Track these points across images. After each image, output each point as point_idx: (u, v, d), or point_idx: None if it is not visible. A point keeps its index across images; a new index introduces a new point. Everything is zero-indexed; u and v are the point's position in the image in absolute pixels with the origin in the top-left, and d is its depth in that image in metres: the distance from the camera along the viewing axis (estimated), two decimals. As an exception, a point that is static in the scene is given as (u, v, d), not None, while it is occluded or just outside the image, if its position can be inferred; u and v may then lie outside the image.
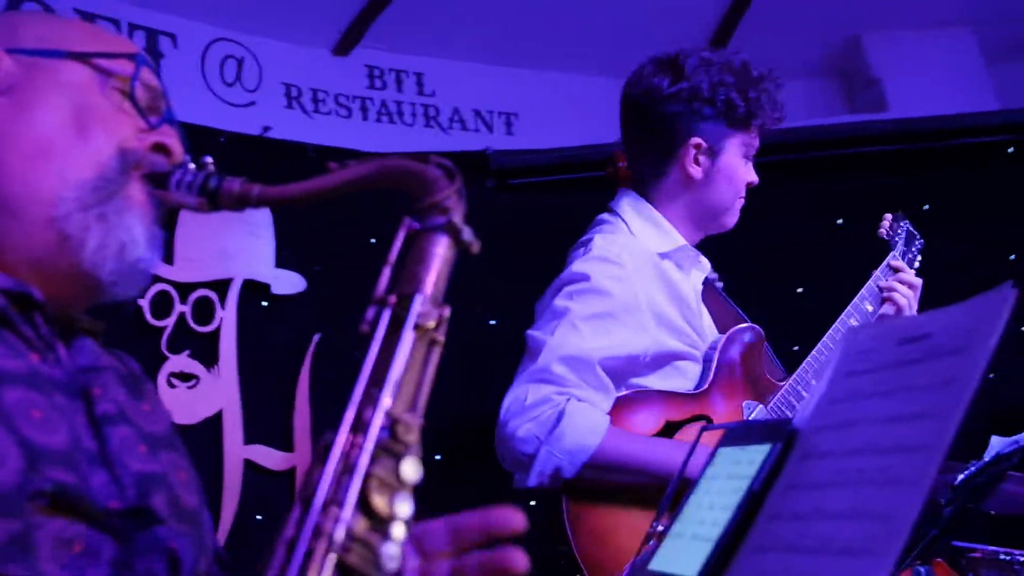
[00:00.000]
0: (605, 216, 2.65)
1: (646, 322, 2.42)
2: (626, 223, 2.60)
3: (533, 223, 4.26)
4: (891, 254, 2.78)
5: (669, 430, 2.37)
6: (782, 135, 5.00)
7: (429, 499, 0.98)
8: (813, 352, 2.60)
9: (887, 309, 2.69)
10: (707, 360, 2.51)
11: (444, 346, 0.98)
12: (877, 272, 2.76)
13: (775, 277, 4.51)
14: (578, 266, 2.45)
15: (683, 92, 2.53)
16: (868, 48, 5.40)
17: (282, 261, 4.15)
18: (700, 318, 2.59)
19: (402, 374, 0.92)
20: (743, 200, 2.67)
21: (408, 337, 0.94)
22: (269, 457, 3.97)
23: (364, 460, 0.87)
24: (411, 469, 0.89)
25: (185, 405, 3.78)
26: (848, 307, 2.69)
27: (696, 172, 2.56)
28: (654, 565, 1.30)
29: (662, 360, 2.45)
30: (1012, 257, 4.90)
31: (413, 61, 4.94)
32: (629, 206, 2.63)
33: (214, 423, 3.87)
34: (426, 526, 1.04)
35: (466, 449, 3.08)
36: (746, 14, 5.11)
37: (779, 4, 5.04)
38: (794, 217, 4.75)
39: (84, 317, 1.30)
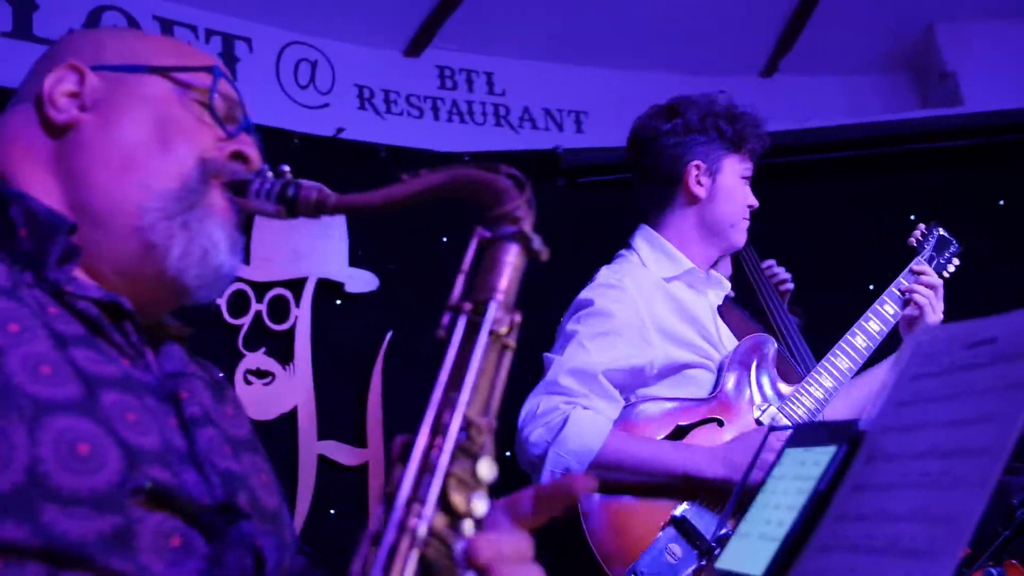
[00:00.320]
0: (623, 251, 2.90)
1: (650, 337, 2.63)
2: (639, 255, 2.84)
3: (603, 221, 4.27)
4: (915, 259, 2.90)
5: (679, 434, 2.54)
6: (854, 130, 4.99)
7: (498, 494, 1.02)
8: (828, 354, 2.74)
9: (910, 311, 2.82)
10: (720, 368, 2.71)
11: (516, 344, 1.01)
12: (900, 277, 2.88)
13: (847, 273, 4.46)
14: (585, 294, 2.72)
15: (678, 126, 2.83)
16: (941, 41, 5.33)
17: (355, 260, 4.21)
18: (717, 331, 2.80)
19: (477, 378, 0.96)
20: (748, 221, 2.89)
21: (482, 343, 0.97)
22: (342, 453, 4.03)
23: (444, 460, 0.91)
24: (487, 469, 0.92)
25: (261, 402, 3.85)
26: (868, 310, 2.82)
27: (700, 191, 2.81)
28: (721, 564, 1.32)
29: (670, 371, 2.65)
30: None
31: (483, 61, 4.99)
32: (642, 239, 2.88)
33: (289, 419, 3.94)
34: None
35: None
36: (816, 8, 5.07)
37: (849, -2, 5.00)
38: (868, 213, 4.71)
39: (172, 323, 1.35)
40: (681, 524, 2.40)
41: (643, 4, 4.83)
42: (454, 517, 0.90)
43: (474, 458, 0.92)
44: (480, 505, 0.91)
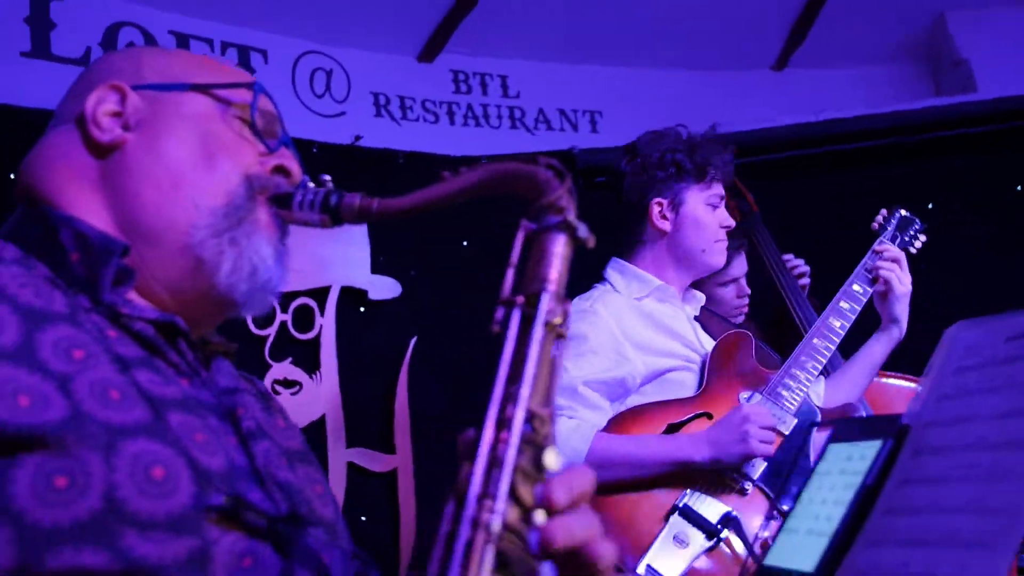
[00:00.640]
0: (596, 284, 3.01)
1: (627, 352, 2.75)
2: (611, 283, 2.97)
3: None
4: (876, 240, 3.01)
5: (671, 432, 2.64)
6: (868, 121, 4.99)
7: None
8: (806, 338, 2.85)
9: (879, 287, 2.92)
10: (703, 366, 2.84)
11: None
12: (865, 258, 2.99)
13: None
14: None
15: (637, 166, 2.99)
16: (953, 29, 5.32)
17: (378, 267, 4.22)
18: (696, 336, 2.93)
19: (537, 370, 0.96)
20: (723, 241, 2.98)
21: (539, 335, 0.97)
22: (371, 459, 4.04)
23: (511, 454, 0.91)
24: (552, 459, 0.93)
25: (289, 411, 3.81)
26: (839, 292, 2.93)
27: (664, 225, 2.94)
28: (771, 560, 1.33)
29: (653, 377, 2.78)
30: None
31: (497, 64, 5.00)
32: (613, 270, 3.01)
33: (318, 428, 3.95)
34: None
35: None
36: (827, 1, 5.07)
37: (861, -12, 5.00)
38: (885, 202, 4.70)
39: (219, 339, 1.36)
40: (685, 512, 2.49)
41: (653, 2, 4.84)
42: (524, 509, 0.90)
43: (539, 449, 0.93)
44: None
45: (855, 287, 2.91)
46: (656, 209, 2.92)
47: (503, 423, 0.93)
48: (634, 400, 2.75)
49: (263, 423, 1.28)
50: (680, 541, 2.45)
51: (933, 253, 3.19)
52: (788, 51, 5.35)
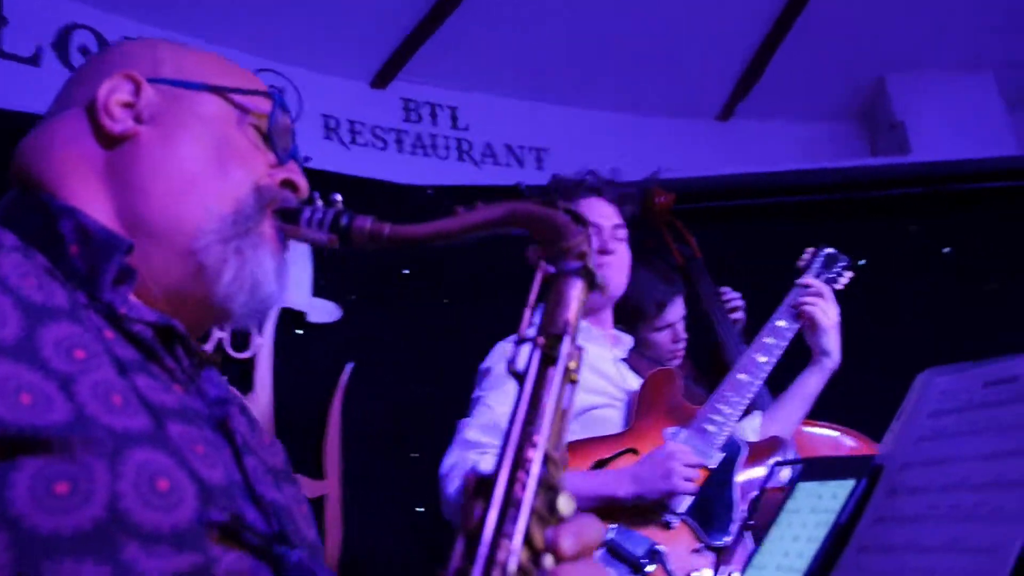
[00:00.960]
0: None
1: None
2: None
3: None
4: (802, 276, 3.03)
5: (599, 467, 2.65)
6: (805, 176, 5.12)
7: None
8: (730, 373, 2.85)
9: (803, 322, 2.93)
10: (628, 404, 2.85)
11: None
12: (790, 294, 3.01)
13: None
14: (484, 364, 2.86)
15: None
16: (892, 91, 5.46)
17: (318, 290, 4.20)
18: (621, 375, 2.93)
19: (554, 412, 0.96)
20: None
21: (558, 377, 0.97)
22: (300, 485, 3.99)
23: (529, 495, 0.90)
24: (566, 504, 0.92)
25: (221, 430, 3.80)
26: (764, 327, 2.93)
27: None
28: (742, 594, 1.35)
29: (578, 414, 2.74)
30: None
31: (448, 95, 5.02)
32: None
33: (248, 449, 3.89)
34: None
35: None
36: (774, 56, 5.19)
37: (806, 47, 5.11)
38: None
39: (204, 348, 1.29)
40: (611, 546, 2.49)
41: (606, 45, 4.89)
42: (535, 551, 0.89)
43: (554, 492, 0.92)
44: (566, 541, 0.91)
45: (779, 323, 2.92)
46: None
47: (520, 463, 0.92)
48: None
49: (248, 438, 1.23)
50: None
51: (862, 308, 3.26)
52: (733, 102, 5.45)
